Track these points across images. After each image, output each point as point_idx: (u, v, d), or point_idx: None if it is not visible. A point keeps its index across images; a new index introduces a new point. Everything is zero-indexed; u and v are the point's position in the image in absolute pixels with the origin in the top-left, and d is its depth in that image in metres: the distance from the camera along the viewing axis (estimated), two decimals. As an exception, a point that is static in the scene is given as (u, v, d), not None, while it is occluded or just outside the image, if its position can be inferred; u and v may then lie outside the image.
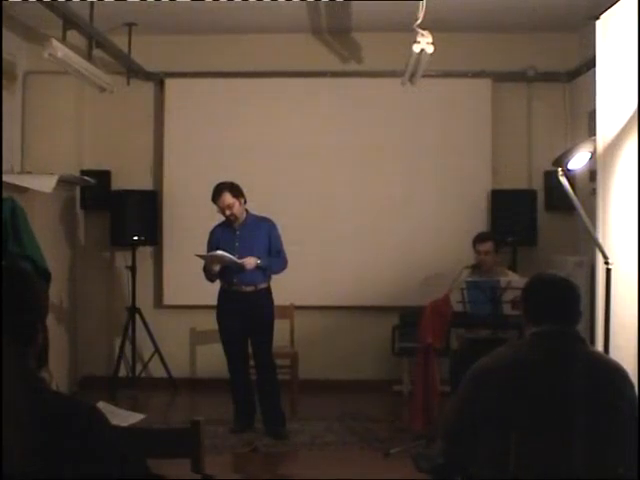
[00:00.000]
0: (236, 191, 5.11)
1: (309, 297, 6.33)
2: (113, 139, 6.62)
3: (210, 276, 5.15)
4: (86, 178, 6.22)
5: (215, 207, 5.12)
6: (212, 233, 5.26)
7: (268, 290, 5.22)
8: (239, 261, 5.00)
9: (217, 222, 5.26)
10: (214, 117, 6.52)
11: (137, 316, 6.36)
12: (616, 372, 2.40)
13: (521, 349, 2.44)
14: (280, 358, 5.59)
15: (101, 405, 3.05)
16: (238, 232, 5.18)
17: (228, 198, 5.07)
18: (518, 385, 2.30)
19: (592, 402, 2.29)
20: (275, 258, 5.20)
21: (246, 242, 5.15)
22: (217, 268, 5.06)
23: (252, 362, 5.31)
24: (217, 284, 5.23)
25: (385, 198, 6.45)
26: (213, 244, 5.20)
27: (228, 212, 5.10)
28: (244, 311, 5.10)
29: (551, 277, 2.56)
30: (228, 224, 5.19)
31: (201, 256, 5.07)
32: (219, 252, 5.01)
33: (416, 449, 4.67)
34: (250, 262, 5.03)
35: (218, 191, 5.10)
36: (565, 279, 2.51)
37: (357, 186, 6.47)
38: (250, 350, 5.28)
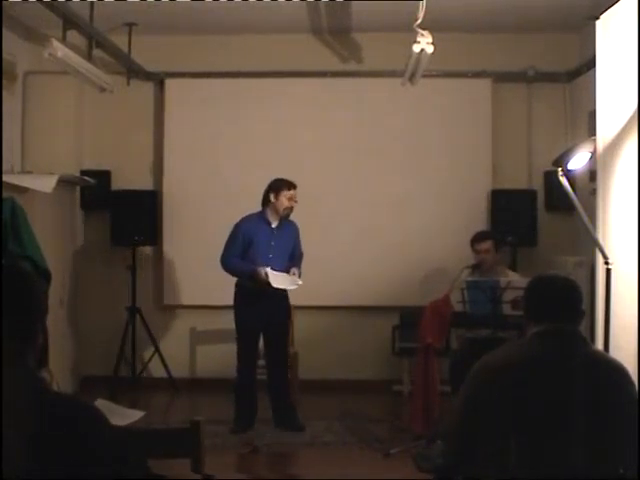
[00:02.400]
0: None
1: (309, 297, 6.30)
2: (113, 139, 6.62)
3: (246, 279, 5.12)
4: (86, 178, 6.22)
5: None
6: (241, 227, 5.18)
7: None
8: (291, 274, 5.09)
9: (233, 220, 5.22)
10: (214, 117, 6.52)
11: (137, 316, 6.36)
12: (617, 371, 2.40)
13: (522, 348, 2.43)
14: (280, 358, 5.60)
15: (99, 403, 3.05)
16: (275, 231, 5.21)
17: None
18: (519, 384, 2.30)
19: (593, 401, 2.29)
20: (299, 261, 5.33)
21: (281, 242, 5.21)
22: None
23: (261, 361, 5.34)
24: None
25: (385, 198, 6.44)
26: (245, 239, 5.15)
27: (293, 205, 5.14)
28: (266, 308, 5.12)
29: (553, 276, 2.57)
30: (263, 220, 5.19)
31: (268, 275, 5.01)
32: (290, 274, 5.09)
33: (416, 449, 4.66)
34: (295, 273, 5.14)
35: (294, 185, 5.14)
36: (567, 278, 2.52)
37: (357, 186, 6.46)
38: (262, 347, 5.30)
